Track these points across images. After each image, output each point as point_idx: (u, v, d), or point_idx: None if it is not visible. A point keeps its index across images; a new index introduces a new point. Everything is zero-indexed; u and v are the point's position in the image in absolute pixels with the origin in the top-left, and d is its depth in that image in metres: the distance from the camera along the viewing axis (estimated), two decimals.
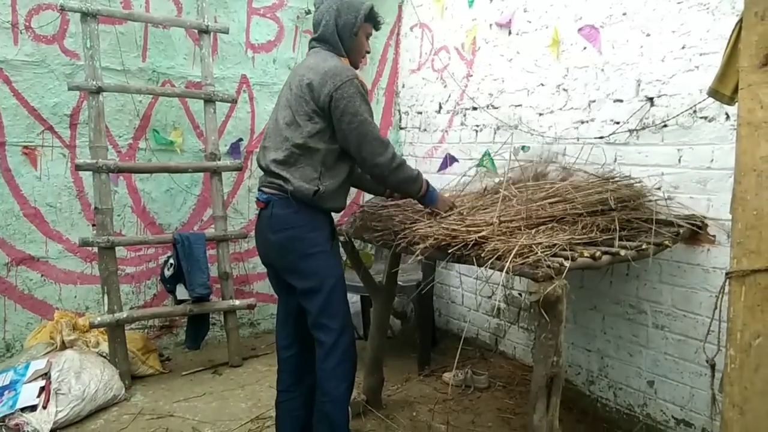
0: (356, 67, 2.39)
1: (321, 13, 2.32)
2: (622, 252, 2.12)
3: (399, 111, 4.76)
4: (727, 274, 1.88)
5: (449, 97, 4.12)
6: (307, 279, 2.27)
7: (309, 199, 2.21)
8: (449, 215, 2.33)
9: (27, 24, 3.26)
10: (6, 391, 2.75)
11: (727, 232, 2.41)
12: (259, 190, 2.36)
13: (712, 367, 2.00)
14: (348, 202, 4.52)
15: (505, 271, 1.90)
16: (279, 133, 2.27)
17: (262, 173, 2.38)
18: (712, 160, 2.49)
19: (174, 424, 2.86)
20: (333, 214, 2.42)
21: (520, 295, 3.61)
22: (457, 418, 2.99)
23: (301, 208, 2.23)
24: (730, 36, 1.90)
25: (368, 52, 2.48)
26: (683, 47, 2.59)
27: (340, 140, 2.23)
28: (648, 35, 2.75)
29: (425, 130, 4.42)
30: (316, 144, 2.21)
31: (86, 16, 3.17)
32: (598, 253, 2.04)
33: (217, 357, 3.74)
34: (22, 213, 3.38)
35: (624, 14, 2.86)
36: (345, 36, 2.31)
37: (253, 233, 4.04)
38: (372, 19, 2.40)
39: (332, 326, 2.28)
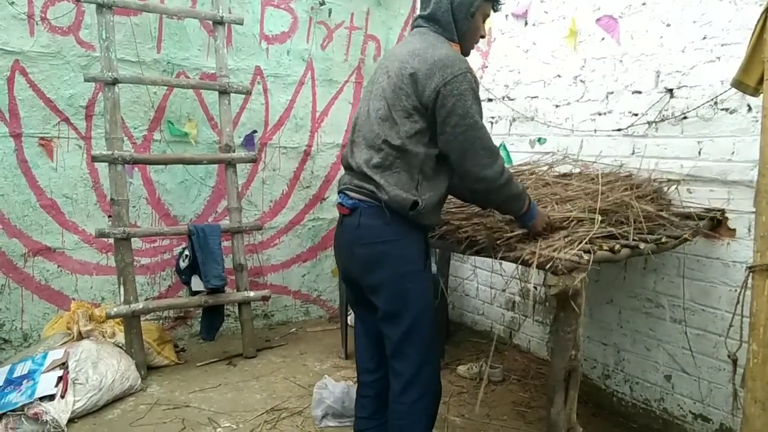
0: (467, 55, 2.07)
1: None
2: (642, 245, 2.11)
3: None
4: (749, 267, 1.87)
5: None
6: (393, 301, 1.98)
7: (405, 211, 1.91)
8: (549, 235, 2.04)
9: (43, 15, 3.27)
10: (24, 381, 2.78)
11: (748, 225, 2.38)
12: (342, 192, 2.06)
13: (734, 362, 1.99)
14: None
15: (535, 266, 1.87)
16: (371, 128, 1.97)
17: (347, 172, 2.08)
18: (733, 153, 2.45)
19: (190, 415, 2.88)
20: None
21: (535, 288, 3.59)
22: (472, 410, 2.98)
23: (395, 220, 1.93)
24: (756, 26, 1.87)
25: (483, 37, 2.10)
26: (704, 38, 2.55)
27: (441, 145, 1.91)
28: (668, 25, 2.71)
29: None
30: (415, 147, 1.89)
31: (102, 7, 3.17)
32: (617, 247, 2.02)
33: (231, 348, 3.75)
34: (39, 204, 3.40)
35: (643, 4, 2.82)
36: (460, 17, 1.96)
37: (267, 225, 4.13)
38: (493, 0, 2.04)
39: (414, 356, 2.00)
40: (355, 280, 2.10)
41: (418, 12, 2.07)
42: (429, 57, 1.86)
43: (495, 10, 2.08)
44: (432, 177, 1.95)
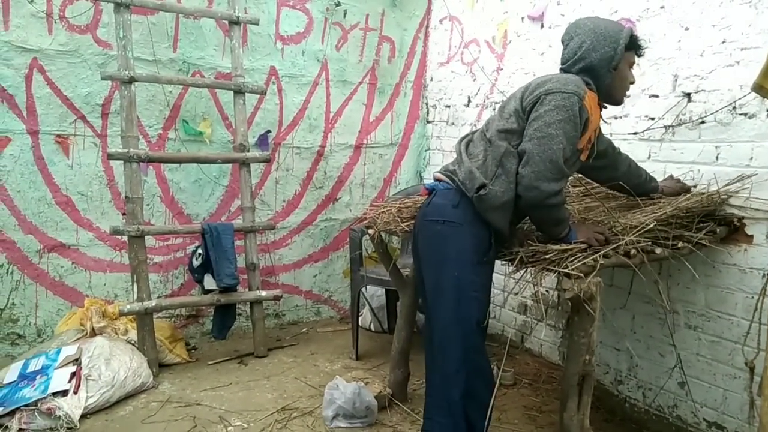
0: (619, 104, 2.21)
1: (573, 49, 2.06)
2: (657, 250, 2.09)
3: (427, 104, 4.72)
4: (767, 274, 1.84)
5: (478, 90, 4.08)
6: (438, 285, 2.01)
7: (472, 192, 1.95)
8: (600, 245, 1.98)
9: (61, 14, 3.30)
10: (38, 376, 2.80)
11: (766, 231, 2.35)
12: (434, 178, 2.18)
13: (751, 369, 1.96)
14: (374, 195, 4.52)
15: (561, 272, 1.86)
16: (483, 128, 2.12)
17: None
18: (751, 158, 2.42)
19: (201, 413, 2.89)
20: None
21: (547, 291, 3.57)
22: None
23: (462, 205, 1.98)
24: None
25: (632, 83, 2.17)
26: (723, 42, 2.52)
27: (521, 145, 1.96)
28: (686, 29, 2.68)
29: (453, 123, 4.39)
30: (498, 139, 1.98)
31: (119, 6, 3.19)
32: (633, 251, 2.00)
33: (242, 347, 3.76)
34: (54, 201, 3.43)
35: (662, 7, 2.79)
36: (601, 72, 2.03)
37: (280, 225, 4.14)
38: (635, 46, 2.08)
39: (454, 351, 2.01)
40: (420, 260, 2.17)
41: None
42: (551, 76, 1.98)
43: (639, 56, 2.14)
44: (512, 174, 1.96)
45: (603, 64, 2.01)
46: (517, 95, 2.05)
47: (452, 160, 2.19)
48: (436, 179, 2.13)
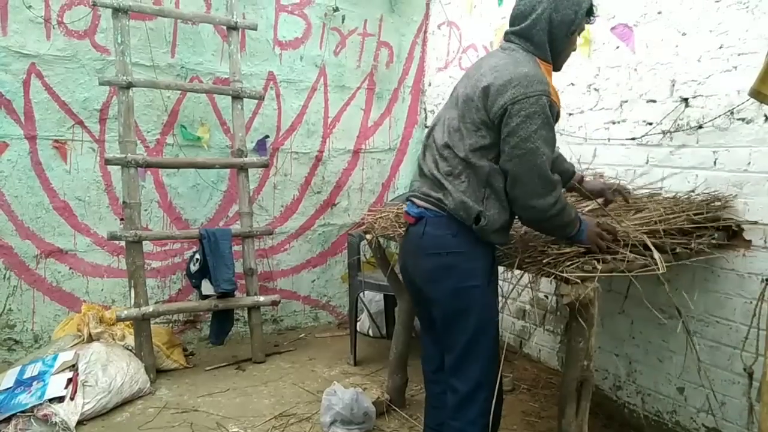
0: (558, 70, 2.00)
1: (531, 4, 1.86)
2: (656, 255, 2.08)
3: (425, 109, 4.73)
4: (766, 279, 1.84)
5: None
6: (454, 316, 1.94)
7: (469, 222, 1.86)
8: (608, 246, 1.95)
9: (59, 19, 3.30)
10: (34, 382, 2.78)
11: (764, 236, 2.34)
12: (409, 200, 2.04)
13: (750, 375, 1.95)
14: (373, 200, 4.52)
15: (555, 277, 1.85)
16: (442, 136, 1.94)
17: (418, 178, 2.05)
18: (749, 163, 2.42)
19: (198, 419, 2.88)
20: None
21: (545, 297, 3.56)
22: None
23: (461, 232, 1.88)
24: None
25: (574, 50, 2.02)
26: (720, 47, 2.53)
27: (501, 163, 1.83)
28: (684, 34, 2.69)
29: None
30: (479, 161, 1.84)
31: (117, 11, 3.20)
32: (631, 256, 2.00)
33: (240, 353, 3.75)
34: (52, 206, 3.42)
35: (659, 13, 2.80)
36: (560, 36, 1.88)
37: (278, 230, 4.13)
38: (590, 14, 1.94)
39: (471, 373, 1.95)
40: (419, 290, 2.05)
41: (507, 25, 1.98)
42: (507, 73, 1.78)
43: (589, 23, 2.00)
44: (501, 193, 1.87)
45: (562, 27, 1.86)
46: (474, 98, 1.85)
47: (422, 179, 2.02)
48: (420, 206, 1.98)
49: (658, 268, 1.85)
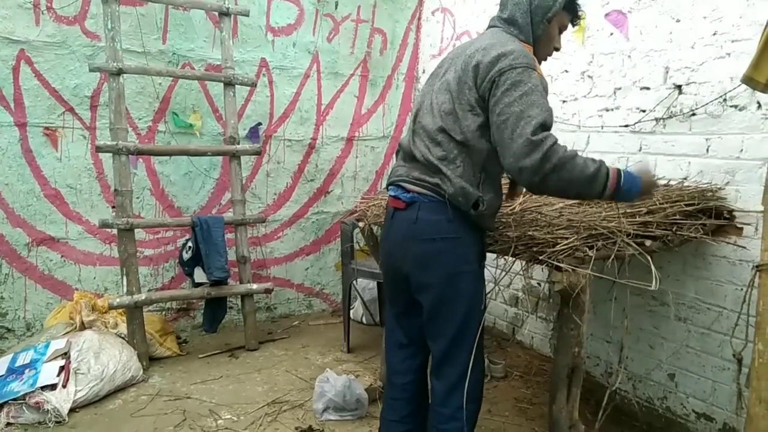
0: (541, 61, 1.97)
1: None
2: (647, 243, 2.08)
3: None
4: (756, 266, 1.85)
5: None
6: (444, 301, 1.91)
7: (467, 207, 1.83)
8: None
9: (48, 5, 3.26)
10: (26, 370, 2.78)
11: (755, 223, 2.35)
12: (396, 185, 1.98)
13: (739, 361, 1.97)
14: (366, 188, 4.51)
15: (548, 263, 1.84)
16: (434, 121, 1.89)
17: (404, 163, 2.00)
18: (741, 150, 2.42)
19: (191, 406, 2.88)
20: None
21: (538, 284, 3.57)
22: None
23: (456, 217, 1.86)
24: (767, 22, 1.84)
25: (557, 49, 2.01)
26: (714, 33, 2.52)
27: (491, 137, 1.79)
28: (678, 21, 2.68)
29: None
30: (478, 142, 1.80)
31: None
32: (622, 244, 2.00)
33: (233, 340, 3.75)
34: (43, 194, 3.40)
35: None
36: (536, 20, 1.89)
37: (271, 218, 4.12)
38: (572, 10, 1.96)
39: (461, 359, 1.93)
40: (404, 277, 1.99)
41: (496, 12, 1.99)
42: (496, 51, 1.77)
43: (573, 24, 2.02)
44: (495, 177, 1.88)
45: (538, 11, 1.88)
46: (467, 79, 1.83)
47: (411, 164, 1.97)
48: (411, 191, 1.92)
49: (653, 285, 1.83)
